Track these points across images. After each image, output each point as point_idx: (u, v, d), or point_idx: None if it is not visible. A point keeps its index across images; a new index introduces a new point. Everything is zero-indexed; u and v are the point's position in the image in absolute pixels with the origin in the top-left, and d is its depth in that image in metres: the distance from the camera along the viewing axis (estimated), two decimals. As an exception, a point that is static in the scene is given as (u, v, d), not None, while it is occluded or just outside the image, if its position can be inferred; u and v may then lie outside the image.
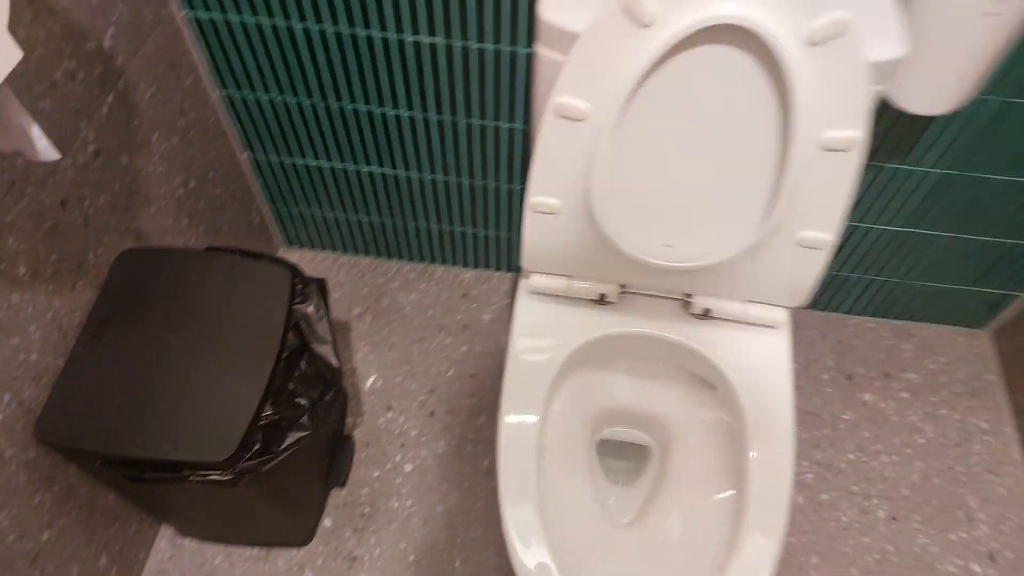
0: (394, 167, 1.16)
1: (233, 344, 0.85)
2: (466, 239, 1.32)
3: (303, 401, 0.89)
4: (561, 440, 0.90)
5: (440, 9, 0.89)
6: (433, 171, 1.15)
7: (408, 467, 1.18)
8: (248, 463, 0.81)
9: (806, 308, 1.37)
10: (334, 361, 0.93)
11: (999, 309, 1.29)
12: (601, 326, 0.90)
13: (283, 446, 0.85)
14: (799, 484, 1.18)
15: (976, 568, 1.11)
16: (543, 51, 0.74)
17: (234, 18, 0.93)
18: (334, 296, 1.35)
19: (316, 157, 1.16)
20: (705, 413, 0.92)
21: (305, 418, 0.88)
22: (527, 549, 0.74)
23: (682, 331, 0.89)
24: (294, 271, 0.92)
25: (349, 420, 1.22)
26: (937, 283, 1.25)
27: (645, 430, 0.98)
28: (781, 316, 0.88)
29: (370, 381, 1.26)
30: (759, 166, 0.73)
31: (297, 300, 0.92)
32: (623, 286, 0.90)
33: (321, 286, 0.96)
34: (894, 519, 1.15)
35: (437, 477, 1.17)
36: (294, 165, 1.18)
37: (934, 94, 0.79)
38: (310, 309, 0.92)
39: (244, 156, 1.18)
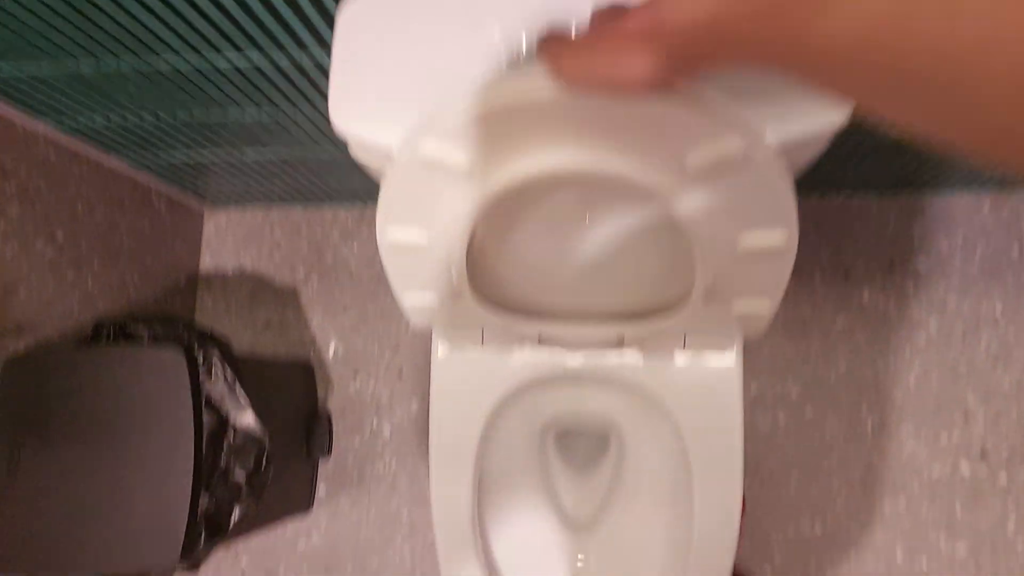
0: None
1: (150, 442, 0.82)
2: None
3: (239, 473, 0.87)
4: (506, 468, 0.87)
5: None
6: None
7: (387, 430, 1.20)
8: (201, 551, 0.83)
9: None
10: (256, 426, 0.88)
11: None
12: (526, 368, 0.80)
13: (231, 524, 0.86)
14: (784, 402, 1.13)
15: (964, 465, 1.09)
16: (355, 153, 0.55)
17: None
18: (273, 259, 1.25)
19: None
20: (656, 428, 0.85)
21: (245, 489, 0.87)
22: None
23: (619, 362, 0.79)
24: (188, 346, 0.84)
25: (320, 393, 1.21)
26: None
27: (600, 428, 0.93)
28: (729, 357, 0.75)
29: (331, 350, 1.22)
30: (669, 266, 0.57)
31: (202, 371, 0.86)
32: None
33: (222, 347, 0.88)
34: (883, 426, 1.11)
35: (416, 436, 1.19)
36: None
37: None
38: (219, 384, 0.86)
39: (117, 162, 1.01)
